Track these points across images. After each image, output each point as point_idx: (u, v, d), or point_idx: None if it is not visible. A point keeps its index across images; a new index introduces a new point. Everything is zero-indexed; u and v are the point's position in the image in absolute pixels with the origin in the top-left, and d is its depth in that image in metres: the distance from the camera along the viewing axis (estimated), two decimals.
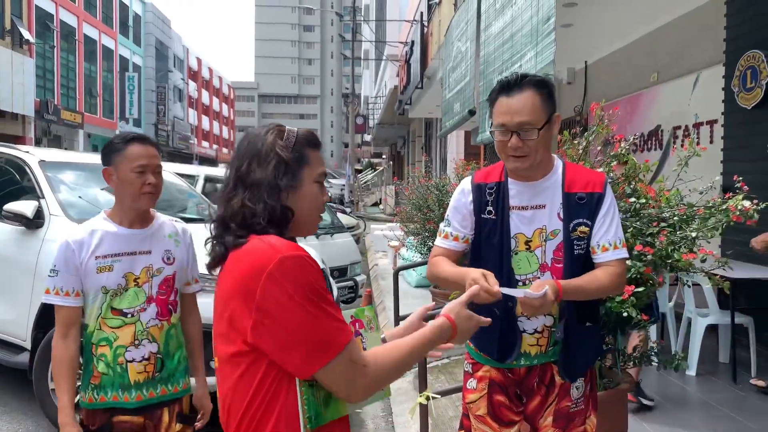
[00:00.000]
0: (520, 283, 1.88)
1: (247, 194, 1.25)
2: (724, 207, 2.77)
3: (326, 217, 7.81)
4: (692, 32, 6.20)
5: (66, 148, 28.22)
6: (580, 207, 1.86)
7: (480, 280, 1.67)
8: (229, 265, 1.25)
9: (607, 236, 1.85)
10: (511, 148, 1.83)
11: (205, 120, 59.43)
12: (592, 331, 1.97)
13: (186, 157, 44.92)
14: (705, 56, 5.97)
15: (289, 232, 1.29)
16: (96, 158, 5.39)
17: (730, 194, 2.86)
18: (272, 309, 1.15)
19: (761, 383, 4.18)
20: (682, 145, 6.24)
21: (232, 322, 1.20)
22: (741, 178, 3.28)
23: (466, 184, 2.02)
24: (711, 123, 5.87)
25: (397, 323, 5.00)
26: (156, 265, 2.07)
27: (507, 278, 1.87)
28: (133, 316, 2.01)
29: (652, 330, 4.49)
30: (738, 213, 2.74)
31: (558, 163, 1.92)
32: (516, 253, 1.89)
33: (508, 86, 1.85)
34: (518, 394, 1.96)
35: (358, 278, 7.01)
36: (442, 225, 2.05)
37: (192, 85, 52.83)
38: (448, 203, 6.60)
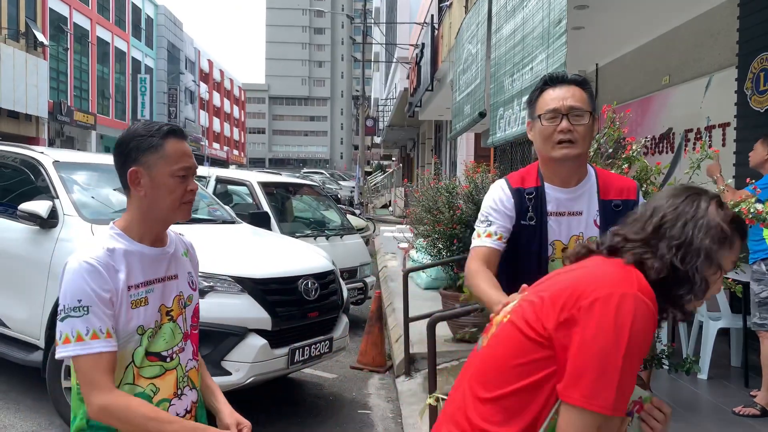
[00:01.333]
0: None
1: (676, 253, 1.20)
2: (736, 210, 2.76)
3: (335, 218, 7.83)
4: (704, 35, 6.17)
5: (79, 149, 28.48)
6: (617, 214, 1.86)
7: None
8: (586, 263, 1.27)
9: None
10: (561, 131, 1.79)
11: (216, 122, 59.74)
12: None
13: (197, 159, 45.00)
14: (717, 59, 5.93)
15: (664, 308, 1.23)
16: (108, 159, 5.44)
17: (742, 197, 2.84)
18: (590, 325, 1.11)
19: (754, 392, 4.08)
20: (694, 148, 6.20)
21: (546, 306, 1.19)
22: (754, 181, 3.27)
23: (505, 187, 1.95)
24: (723, 126, 5.83)
25: (406, 325, 5.00)
26: (186, 291, 1.65)
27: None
28: (172, 359, 1.57)
29: (663, 333, 4.46)
30: (751, 216, 2.73)
31: (590, 170, 1.93)
32: (553, 260, 1.89)
33: (553, 80, 1.86)
34: None
35: (367, 280, 7.02)
36: (482, 225, 1.95)
37: (203, 87, 53.13)
38: (458, 205, 6.50)
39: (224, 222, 5.06)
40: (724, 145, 5.73)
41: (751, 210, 2.73)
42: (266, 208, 6.40)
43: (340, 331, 4.32)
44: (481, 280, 1.85)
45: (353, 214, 13.54)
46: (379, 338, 5.35)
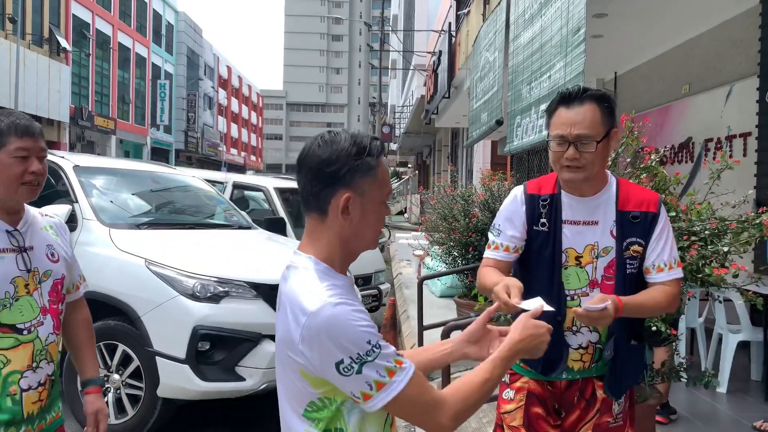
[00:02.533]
0: (569, 298, 1.88)
1: None
2: (757, 221, 2.71)
3: None
4: (725, 44, 6.10)
5: (99, 154, 28.91)
6: (634, 226, 1.85)
7: (500, 293, 1.68)
8: None
9: (662, 257, 1.85)
10: (567, 158, 1.81)
11: (234, 127, 60.24)
12: (638, 349, 1.96)
13: (215, 164, 45.60)
14: (738, 68, 5.86)
15: None
16: (127, 164, 5.51)
17: (764, 208, 2.80)
18: None
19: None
20: (714, 158, 6.12)
21: None
22: None
23: (519, 193, 1.99)
24: (745, 135, 5.75)
25: (420, 333, 4.98)
26: None
27: (557, 292, 1.87)
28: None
29: (681, 345, 4.39)
30: None
31: (612, 180, 1.92)
32: (566, 268, 1.88)
33: (569, 98, 1.84)
34: (557, 408, 1.96)
35: (382, 287, 7.01)
36: (492, 233, 2.01)
37: (222, 92, 53.63)
38: (473, 213, 6.47)
39: (240, 227, 5.09)
40: (745, 155, 5.65)
41: None
42: (282, 213, 6.43)
43: None
44: (486, 275, 1.94)
45: None
46: (393, 346, 5.33)
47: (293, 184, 8.17)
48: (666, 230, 1.87)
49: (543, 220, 1.90)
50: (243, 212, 5.57)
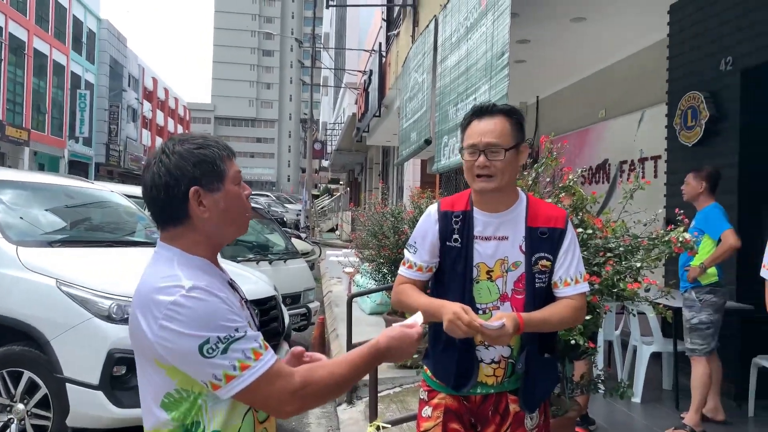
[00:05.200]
0: (480, 312, 1.90)
1: None
2: (666, 239, 2.88)
3: (280, 242, 7.72)
4: (638, 72, 6.50)
5: (9, 166, 27.16)
6: (542, 241, 1.91)
7: (462, 315, 1.73)
8: None
9: (569, 271, 1.91)
10: (478, 167, 1.88)
11: (159, 141, 58.30)
12: (550, 362, 2.01)
13: (138, 178, 43.88)
14: (650, 95, 6.24)
15: None
16: (39, 177, 5.21)
17: (672, 226, 2.97)
18: None
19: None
20: (628, 179, 6.47)
21: None
22: (682, 212, 3.43)
23: (433, 210, 2.03)
24: (655, 158, 6.12)
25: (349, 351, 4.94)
26: None
27: (468, 306, 1.89)
28: None
29: (600, 358, 4.57)
30: (679, 244, 2.85)
31: (522, 197, 1.98)
32: (477, 282, 1.92)
33: (480, 111, 1.93)
34: (473, 423, 1.98)
35: (311, 305, 6.92)
36: (408, 251, 2.05)
37: (147, 105, 51.87)
38: (403, 230, 6.49)
39: None
40: (656, 176, 6.00)
41: (680, 239, 2.85)
42: None
43: None
44: (410, 294, 1.98)
45: (299, 237, 13.39)
46: None
47: None
48: (573, 246, 1.94)
49: (456, 236, 1.95)
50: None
